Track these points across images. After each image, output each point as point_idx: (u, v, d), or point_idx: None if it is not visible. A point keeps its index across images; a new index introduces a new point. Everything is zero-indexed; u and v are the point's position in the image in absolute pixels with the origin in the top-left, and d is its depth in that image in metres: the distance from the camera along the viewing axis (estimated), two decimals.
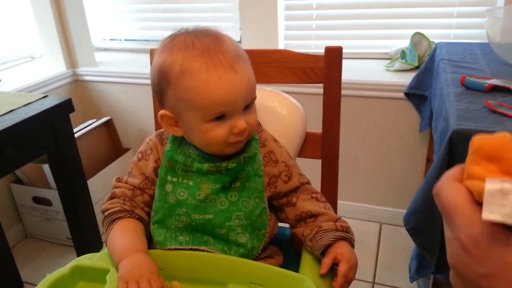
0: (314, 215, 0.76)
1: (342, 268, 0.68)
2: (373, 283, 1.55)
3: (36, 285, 0.64)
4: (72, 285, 0.68)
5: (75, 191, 1.32)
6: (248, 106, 0.70)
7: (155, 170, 0.76)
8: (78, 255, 0.79)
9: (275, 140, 0.81)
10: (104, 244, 0.75)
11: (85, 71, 2.03)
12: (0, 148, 1.07)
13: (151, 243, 0.75)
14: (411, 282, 1.16)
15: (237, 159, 0.73)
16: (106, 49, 2.30)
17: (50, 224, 1.80)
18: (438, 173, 0.90)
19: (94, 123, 1.90)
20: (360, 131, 1.72)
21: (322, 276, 0.69)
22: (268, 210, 0.76)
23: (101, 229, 1.11)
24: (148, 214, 0.77)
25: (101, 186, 1.75)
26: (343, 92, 0.92)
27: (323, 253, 0.71)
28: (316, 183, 0.87)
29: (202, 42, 0.67)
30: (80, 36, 2.01)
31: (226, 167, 0.73)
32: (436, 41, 1.59)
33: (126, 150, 2.03)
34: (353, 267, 0.69)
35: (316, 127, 0.97)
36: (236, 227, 0.73)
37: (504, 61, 1.23)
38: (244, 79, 0.67)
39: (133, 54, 2.20)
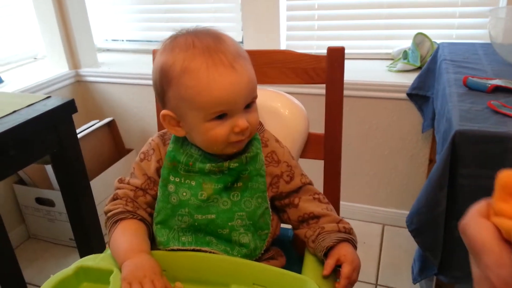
0: (317, 216, 0.76)
1: (345, 269, 0.68)
2: (376, 284, 1.55)
3: (39, 286, 0.64)
4: (76, 285, 0.68)
5: (78, 192, 1.32)
6: (249, 105, 0.70)
7: (157, 170, 0.76)
8: (81, 256, 0.79)
9: (277, 140, 0.81)
10: (107, 245, 0.75)
11: (88, 71, 2.03)
12: (3, 149, 1.07)
13: (153, 244, 0.75)
14: (414, 283, 1.15)
15: (239, 159, 0.73)
16: (108, 50, 2.30)
17: (53, 225, 1.80)
18: (441, 174, 0.90)
19: (96, 123, 1.90)
20: (363, 131, 1.72)
21: (325, 277, 0.69)
22: (270, 210, 0.76)
23: (104, 230, 1.12)
24: (151, 214, 0.77)
25: (103, 187, 1.75)
26: (345, 92, 0.91)
27: (326, 255, 0.71)
28: (318, 184, 0.86)
29: (202, 42, 0.67)
30: (82, 37, 2.01)
31: (228, 167, 0.73)
32: (438, 41, 1.59)
33: (129, 150, 2.03)
34: (356, 268, 0.69)
35: (319, 128, 0.97)
36: (239, 227, 0.73)
37: (507, 61, 1.23)
38: (245, 78, 0.68)
39: (135, 55, 2.20)
